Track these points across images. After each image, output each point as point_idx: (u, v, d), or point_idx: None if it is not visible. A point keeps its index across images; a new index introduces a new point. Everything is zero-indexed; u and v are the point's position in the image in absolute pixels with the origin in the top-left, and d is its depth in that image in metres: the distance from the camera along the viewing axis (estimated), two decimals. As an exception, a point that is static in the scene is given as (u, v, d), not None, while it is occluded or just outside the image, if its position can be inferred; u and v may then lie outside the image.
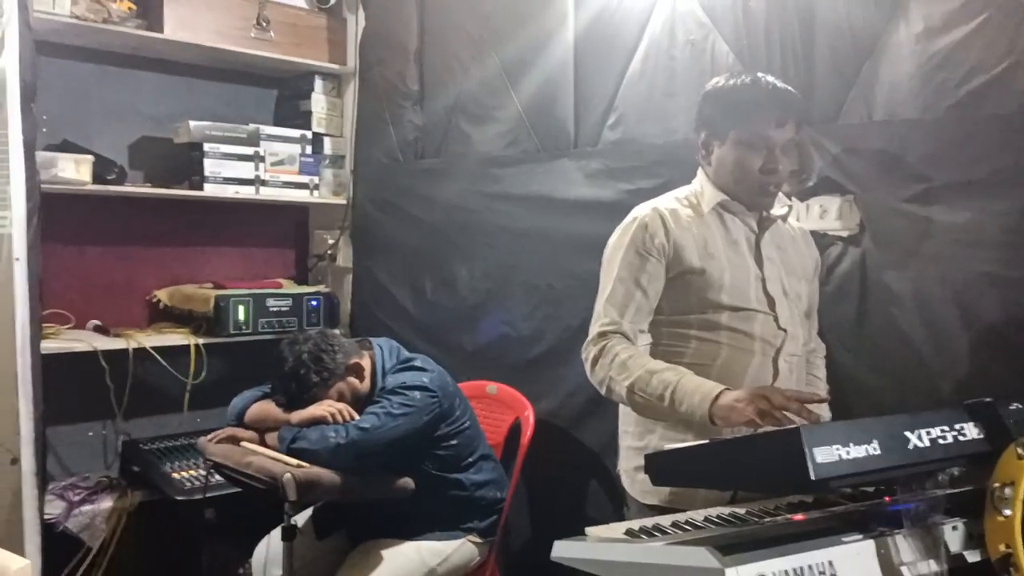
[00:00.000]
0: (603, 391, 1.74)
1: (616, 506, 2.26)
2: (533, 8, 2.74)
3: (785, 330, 1.78)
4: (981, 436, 1.22)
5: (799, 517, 1.31)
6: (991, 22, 1.86)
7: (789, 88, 1.78)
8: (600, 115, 2.60)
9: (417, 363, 2.36)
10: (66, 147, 2.78)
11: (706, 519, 1.40)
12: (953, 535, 1.21)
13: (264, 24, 3.13)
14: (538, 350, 2.73)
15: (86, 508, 2.61)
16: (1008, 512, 1.10)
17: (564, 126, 2.69)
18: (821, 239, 2.10)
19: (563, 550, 1.31)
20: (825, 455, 1.07)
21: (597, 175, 2.59)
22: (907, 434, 1.15)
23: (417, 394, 2.24)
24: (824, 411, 1.89)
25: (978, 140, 1.86)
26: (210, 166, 2.98)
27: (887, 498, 1.28)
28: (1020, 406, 1.26)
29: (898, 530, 1.19)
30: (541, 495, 2.71)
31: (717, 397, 1.53)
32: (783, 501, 1.48)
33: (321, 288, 3.30)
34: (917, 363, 1.94)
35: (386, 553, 2.26)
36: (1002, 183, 1.81)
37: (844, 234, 2.08)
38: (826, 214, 2.10)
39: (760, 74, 1.79)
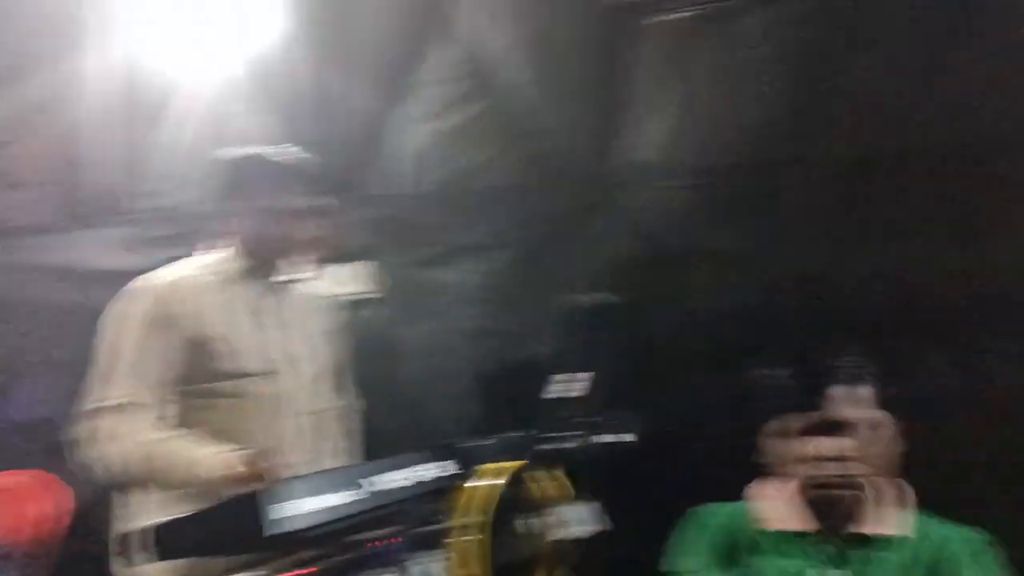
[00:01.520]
0: (99, 470, 1.62)
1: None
2: (44, 72, 2.55)
3: (304, 389, 1.84)
4: (442, 474, 1.36)
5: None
6: (487, 112, 2.16)
7: (300, 157, 1.85)
8: (133, 182, 2.51)
9: None
10: None
11: (210, 592, 1.36)
12: (420, 570, 1.31)
13: None
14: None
15: None
16: (462, 539, 1.24)
17: (98, 193, 2.54)
18: (350, 301, 2.23)
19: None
20: (280, 511, 1.09)
21: (134, 243, 2.49)
22: (367, 480, 1.23)
23: None
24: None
25: (470, 210, 2.14)
26: None
27: (374, 543, 1.36)
28: (477, 443, 1.43)
29: (377, 571, 1.26)
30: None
31: (207, 461, 1.53)
32: (291, 560, 1.50)
33: None
34: (429, 409, 2.14)
35: None
36: (486, 247, 2.12)
37: (368, 296, 2.23)
38: (351, 278, 2.24)
39: (272, 146, 1.86)
